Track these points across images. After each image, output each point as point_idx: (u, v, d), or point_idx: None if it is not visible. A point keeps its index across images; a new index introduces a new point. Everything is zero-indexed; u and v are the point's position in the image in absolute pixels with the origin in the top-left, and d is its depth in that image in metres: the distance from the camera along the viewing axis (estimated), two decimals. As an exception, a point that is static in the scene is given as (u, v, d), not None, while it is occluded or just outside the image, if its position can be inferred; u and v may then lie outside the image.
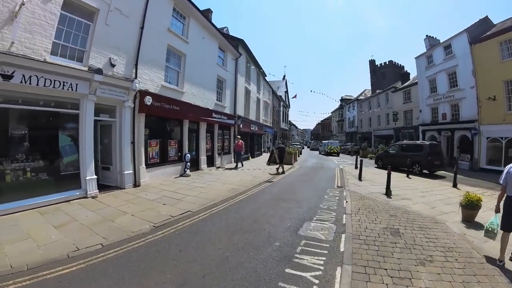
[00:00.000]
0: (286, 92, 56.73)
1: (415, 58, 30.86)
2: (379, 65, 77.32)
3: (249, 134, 25.18)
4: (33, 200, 7.60)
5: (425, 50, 29.40)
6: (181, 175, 13.44)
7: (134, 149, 11.00)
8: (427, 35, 29.91)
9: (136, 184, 10.97)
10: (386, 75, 66.92)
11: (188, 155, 13.81)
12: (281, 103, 49.75)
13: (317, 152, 44.86)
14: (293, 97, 55.22)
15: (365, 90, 59.71)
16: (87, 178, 9.13)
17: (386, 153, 21.81)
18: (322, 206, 8.64)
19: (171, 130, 13.81)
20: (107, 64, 9.78)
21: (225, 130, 20.04)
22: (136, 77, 10.92)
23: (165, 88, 12.75)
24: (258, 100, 30.03)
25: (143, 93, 11.20)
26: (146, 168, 11.61)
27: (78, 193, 8.90)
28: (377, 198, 9.80)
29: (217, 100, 18.23)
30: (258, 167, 18.86)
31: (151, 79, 11.96)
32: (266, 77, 33.61)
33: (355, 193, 10.64)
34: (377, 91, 47.98)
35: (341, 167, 20.82)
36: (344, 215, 7.53)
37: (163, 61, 12.78)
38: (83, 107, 9.16)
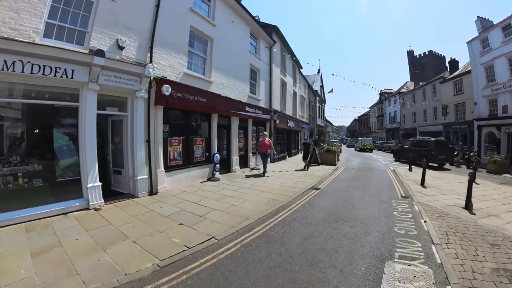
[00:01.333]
0: (322, 86, 53.31)
1: (467, 42, 26.64)
2: (417, 56, 72.18)
3: (285, 131, 22.49)
4: (21, 212, 5.96)
5: (477, 34, 25.38)
6: (208, 179, 11.11)
7: (149, 149, 8.81)
8: (478, 17, 25.68)
9: (152, 192, 8.79)
10: (426, 67, 62.18)
11: (217, 155, 11.42)
12: (317, 98, 46.56)
13: (353, 148, 43.34)
14: (329, 92, 52.35)
15: (406, 82, 54.57)
16: (88, 185, 7.12)
17: (401, 148, 24.26)
18: (397, 230, 5.95)
19: (197, 126, 11.52)
20: (113, 46, 7.77)
21: (260, 126, 17.52)
22: (151, 62, 8.70)
23: (189, 77, 10.46)
24: (295, 93, 27.21)
25: (160, 81, 8.95)
26: (166, 171, 9.37)
27: (78, 204, 6.97)
28: (458, 214, 7.21)
29: (250, 92, 15.79)
30: (297, 167, 16.22)
31: (171, 66, 9.71)
32: (301, 70, 30.74)
33: (428, 206, 8.01)
34: (420, 83, 43.33)
35: (391, 168, 17.84)
36: (433, 247, 5.02)
37: (185, 45, 10.49)
38: (83, 98, 7.17)
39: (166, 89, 8.91)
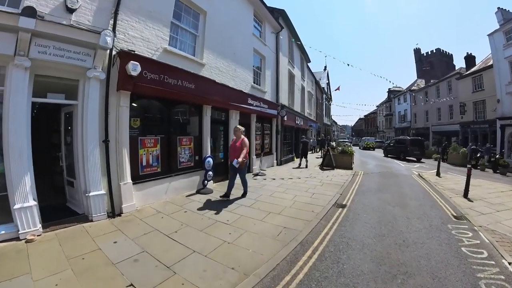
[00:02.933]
0: (328, 84, 50.10)
1: (488, 35, 24.11)
2: (425, 54, 69.29)
3: (294, 129, 19.54)
4: None
5: (498, 26, 23.05)
6: (198, 191, 8.22)
7: (107, 153, 5.99)
8: (499, 8, 23.35)
9: (114, 212, 6.00)
10: (433, 65, 59.68)
11: (210, 159, 8.56)
12: (324, 95, 43.47)
13: (358, 147, 42.47)
14: (336, 90, 49.66)
15: (417, 80, 51.25)
16: (15, 207, 4.58)
17: (389, 146, 27.42)
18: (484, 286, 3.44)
19: (184, 121, 8.63)
20: (59, 8, 5.14)
21: (265, 123, 14.54)
22: (114, 31, 5.91)
23: (171, 55, 7.61)
24: (303, 88, 24.20)
25: (125, 56, 6.15)
26: (135, 183, 6.56)
27: (3, 232, 4.50)
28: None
29: (254, 82, 12.89)
30: (309, 173, 13.29)
31: (145, 39, 6.90)
32: (309, 63, 27.73)
33: (494, 233, 5.64)
34: (432, 81, 40.16)
35: (414, 172, 15.36)
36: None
37: (168, 15, 7.67)
38: (8, 80, 4.60)
39: (133, 68, 6.09)
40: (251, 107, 11.64)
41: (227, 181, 7.87)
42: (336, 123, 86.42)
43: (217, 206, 6.93)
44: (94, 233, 5.00)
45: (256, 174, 11.58)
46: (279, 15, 15.91)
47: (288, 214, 6.39)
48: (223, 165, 10.30)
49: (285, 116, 15.61)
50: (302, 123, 21.69)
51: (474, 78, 28.38)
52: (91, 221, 5.59)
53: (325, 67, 49.05)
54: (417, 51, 70.78)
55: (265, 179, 10.83)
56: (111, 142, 6.05)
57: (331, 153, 15.19)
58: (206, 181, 8.33)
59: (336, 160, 15.13)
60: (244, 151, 7.30)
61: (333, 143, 20.55)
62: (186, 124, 8.60)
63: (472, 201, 8.39)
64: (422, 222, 6.30)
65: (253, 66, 12.94)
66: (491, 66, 24.73)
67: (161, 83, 6.92)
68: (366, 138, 49.32)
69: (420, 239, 5.15)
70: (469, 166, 9.94)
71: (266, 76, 14.20)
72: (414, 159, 22.84)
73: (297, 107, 20.76)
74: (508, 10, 23.19)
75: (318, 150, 27.07)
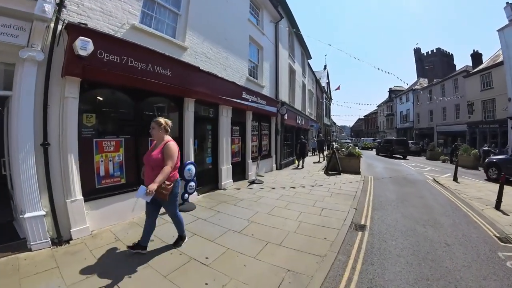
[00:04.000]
0: (328, 83, 48.46)
1: (498, 30, 22.63)
2: (425, 54, 68.55)
3: (294, 128, 17.85)
4: None
5: (507, 22, 21.63)
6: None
7: (47, 160, 4.38)
8: (507, 3, 21.75)
9: (60, 240, 4.41)
10: (434, 64, 58.48)
11: (192, 167, 6.80)
12: (324, 94, 41.77)
13: (357, 147, 40.04)
14: (336, 89, 48.62)
15: (419, 79, 49.53)
16: None
17: (380, 145, 30.62)
18: None
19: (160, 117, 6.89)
20: None
21: (263, 121, 12.82)
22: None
23: (141, 33, 5.91)
24: (304, 86, 22.51)
25: (74, 31, 4.47)
26: (90, 199, 4.93)
27: None
28: None
29: (250, 75, 11.17)
30: (313, 176, 11.69)
31: (106, 12, 5.25)
32: (310, 60, 26.02)
33: None
34: (435, 80, 38.67)
35: (426, 175, 14.01)
36: None
37: (138, -15, 5.94)
38: None
39: (83, 45, 4.44)
40: (246, 103, 9.92)
41: (217, 191, 6.18)
42: (335, 123, 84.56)
43: (197, 229, 5.25)
44: (26, 270, 3.52)
45: (252, 182, 9.85)
46: (279, 3, 14.21)
47: (293, 244, 4.68)
48: (212, 171, 8.62)
49: (286, 114, 13.90)
50: (303, 123, 20.02)
51: (482, 76, 26.81)
52: (30, 250, 4.06)
53: (325, 66, 47.63)
54: (417, 51, 70.40)
55: (262, 188, 9.12)
56: (52, 146, 4.43)
57: (336, 156, 13.51)
58: (187, 195, 6.60)
59: (342, 163, 13.47)
60: (166, 170, 3.75)
61: (335, 144, 18.74)
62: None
63: (508, 215, 6.88)
64: (467, 250, 4.73)
65: (250, 57, 11.26)
66: (501, 63, 23.29)
67: (125, 68, 5.23)
68: (364, 138, 52.07)
69: (475, 281, 3.65)
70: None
71: (264, 69, 12.51)
72: (401, 156, 25.62)
73: (298, 105, 19.07)
74: None
75: (316, 153, 22.55)
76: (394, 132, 52.19)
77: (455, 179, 11.92)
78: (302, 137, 19.34)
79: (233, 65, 9.50)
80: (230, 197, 7.35)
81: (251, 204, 7.04)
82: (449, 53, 67.65)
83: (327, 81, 47.34)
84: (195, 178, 6.77)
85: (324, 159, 17.11)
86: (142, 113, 6.15)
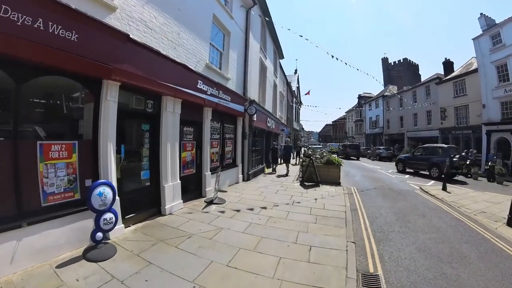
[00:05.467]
0: (298, 88, 46.95)
1: (473, 39, 22.93)
2: (392, 63, 70.19)
3: (265, 132, 15.61)
4: None
5: (481, 32, 22.22)
6: (86, 253, 3.98)
7: None
8: (481, 13, 22.53)
9: None
10: (401, 74, 59.53)
11: (106, 190, 4.14)
12: (294, 99, 39.91)
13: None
14: (305, 94, 46.78)
15: (389, 86, 49.37)
16: None
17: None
18: None
19: (56, 109, 4.22)
20: None
21: (228, 122, 10.35)
22: None
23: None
24: (275, 86, 20.47)
25: None
26: None
27: None
28: None
29: (211, 62, 8.72)
30: (289, 194, 9.30)
31: None
32: (282, 60, 23.85)
33: None
34: (404, 88, 38.37)
35: (410, 184, 12.86)
36: None
37: None
38: None
39: None
40: (203, 96, 7.47)
41: (158, 218, 3.80)
42: (303, 128, 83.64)
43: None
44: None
45: (210, 202, 7.33)
46: (251, -12, 11.99)
47: None
48: (150, 191, 6.03)
49: (255, 115, 11.61)
50: (274, 126, 17.79)
51: (455, 83, 26.97)
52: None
53: (296, 70, 45.92)
54: (384, 60, 71.29)
55: (223, 211, 6.68)
56: None
57: (314, 165, 11.40)
58: (100, 233, 4.08)
59: (320, 172, 11.39)
60: None
61: (304, 149, 16.74)
62: (62, 115, 4.30)
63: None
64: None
65: (213, 42, 8.87)
66: (475, 71, 23.66)
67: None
68: (330, 143, 51.45)
69: None
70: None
71: (231, 58, 10.17)
72: (354, 158, 30.98)
73: (268, 107, 16.81)
74: (490, 17, 22.46)
75: (282, 161, 18.45)
76: (363, 138, 52.25)
77: (444, 188, 10.85)
78: (274, 142, 17.26)
79: (188, 45, 7.06)
80: (173, 231, 4.93)
81: (203, 245, 4.60)
82: (415, 63, 70.41)
83: (297, 85, 45.91)
84: (112, 207, 4.25)
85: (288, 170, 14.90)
86: (26, 100, 3.71)
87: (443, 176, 11.47)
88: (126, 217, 5.05)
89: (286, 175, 13.90)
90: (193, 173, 7.63)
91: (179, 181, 6.61)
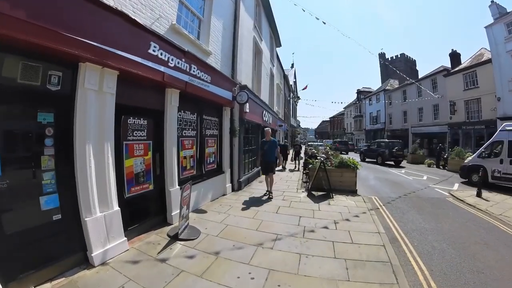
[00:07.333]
0: (295, 82, 44.56)
1: (485, 27, 21.35)
2: (389, 59, 69.31)
3: (260, 127, 12.52)
4: None
5: (492, 20, 20.87)
6: None
7: None
8: (492, 1, 21.19)
9: None
10: (398, 69, 57.94)
11: None
12: (291, 93, 37.41)
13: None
14: (303, 89, 45.05)
15: (389, 80, 46.99)
16: None
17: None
18: None
19: None
20: None
21: (208, 114, 7.49)
22: None
23: None
24: (272, 76, 17.84)
25: None
26: None
27: None
28: None
29: (184, 27, 6.06)
30: (295, 213, 6.66)
31: None
32: (279, 49, 21.26)
33: None
34: (407, 81, 35.92)
35: (436, 189, 10.68)
36: None
37: None
38: None
39: None
40: (161, 68, 4.70)
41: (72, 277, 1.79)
42: (299, 125, 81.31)
43: None
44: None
45: (175, 237, 4.58)
46: None
47: None
48: (63, 231, 3.30)
49: (247, 104, 8.89)
50: (271, 121, 15.11)
51: (465, 75, 24.92)
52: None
53: (292, 64, 44.09)
54: (382, 55, 70.12)
55: (192, 256, 4.00)
56: None
57: (325, 168, 8.79)
58: None
59: (331, 178, 8.78)
60: None
61: (306, 147, 14.34)
62: None
63: None
64: None
65: (185, 2, 6.22)
66: (487, 61, 22.08)
67: None
68: (326, 140, 51.81)
69: None
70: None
71: (214, 28, 7.47)
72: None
73: (264, 98, 14.14)
74: (500, 5, 21.21)
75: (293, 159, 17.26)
76: (363, 134, 50.41)
77: (478, 194, 9.01)
78: (278, 140, 14.70)
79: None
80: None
81: None
82: (412, 58, 71.73)
83: (294, 80, 43.62)
84: None
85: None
86: None
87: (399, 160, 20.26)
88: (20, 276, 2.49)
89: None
90: (149, 190, 4.85)
91: (117, 208, 3.89)
